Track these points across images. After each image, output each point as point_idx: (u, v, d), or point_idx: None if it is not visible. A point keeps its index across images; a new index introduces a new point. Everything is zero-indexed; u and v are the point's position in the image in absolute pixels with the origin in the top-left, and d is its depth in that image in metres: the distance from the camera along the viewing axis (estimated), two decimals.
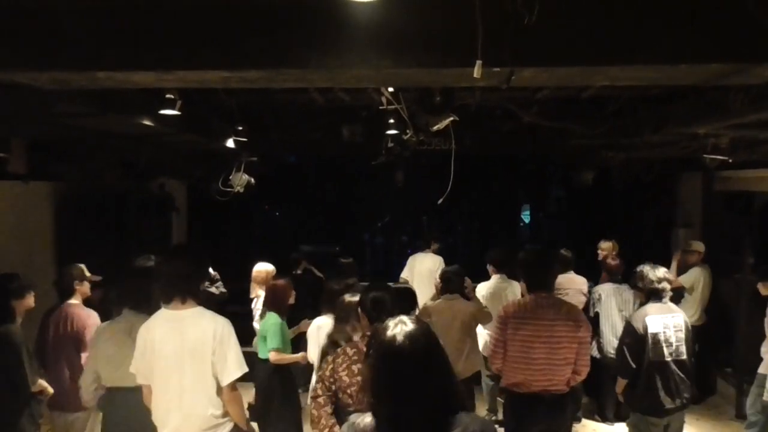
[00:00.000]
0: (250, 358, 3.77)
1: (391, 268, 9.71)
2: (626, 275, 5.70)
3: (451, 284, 5.33)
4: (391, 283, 7.51)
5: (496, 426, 3.53)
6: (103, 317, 4.48)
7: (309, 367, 4.73)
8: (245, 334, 4.76)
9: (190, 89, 4.26)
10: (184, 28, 2.83)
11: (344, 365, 3.05)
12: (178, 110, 4.38)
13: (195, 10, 2.81)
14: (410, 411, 1.83)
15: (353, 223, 14.99)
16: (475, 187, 13.27)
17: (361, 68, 2.82)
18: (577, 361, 3.88)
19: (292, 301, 5.05)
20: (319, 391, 3.07)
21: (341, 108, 6.56)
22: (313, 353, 4.52)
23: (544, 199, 15.44)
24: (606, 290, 5.86)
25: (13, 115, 3.95)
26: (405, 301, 4.40)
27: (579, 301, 5.91)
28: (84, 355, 4.34)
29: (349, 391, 3.01)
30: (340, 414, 3.02)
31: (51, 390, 4.23)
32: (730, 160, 5.79)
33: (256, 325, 5.60)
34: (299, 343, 5.22)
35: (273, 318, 4.84)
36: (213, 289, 5.89)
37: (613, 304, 5.76)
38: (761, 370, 5.01)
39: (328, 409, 3.03)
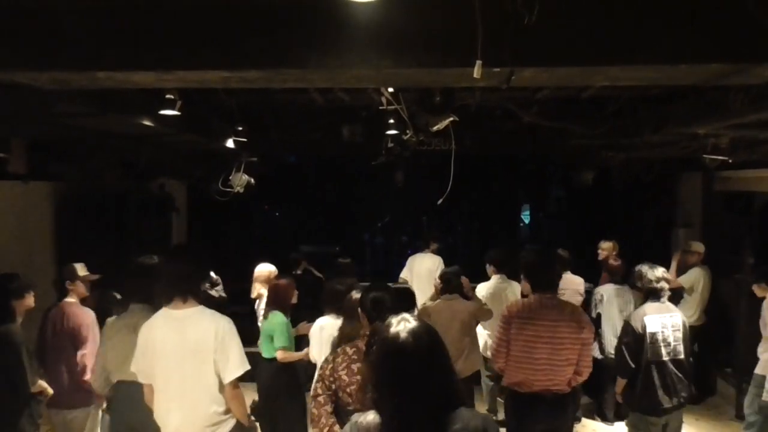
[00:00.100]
0: (253, 357, 3.79)
1: (391, 268, 9.70)
2: (627, 276, 5.70)
3: (450, 284, 5.34)
4: (390, 284, 7.54)
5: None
6: (101, 316, 4.51)
7: (311, 366, 4.74)
8: (246, 334, 4.76)
9: (190, 89, 4.26)
10: (184, 28, 2.83)
11: (344, 364, 3.05)
12: (178, 110, 4.38)
13: (195, 10, 2.81)
14: (413, 407, 1.85)
15: (353, 224, 14.99)
16: (475, 187, 13.26)
17: (361, 68, 2.82)
18: (579, 361, 3.89)
19: (294, 300, 5.06)
20: (319, 390, 3.07)
21: (341, 108, 6.56)
22: (315, 353, 4.52)
23: (544, 199, 15.44)
24: (608, 291, 5.87)
25: (13, 115, 3.95)
26: (404, 301, 4.37)
27: (576, 301, 5.90)
28: (80, 353, 4.38)
29: (348, 390, 3.01)
30: (340, 413, 3.02)
31: (51, 391, 4.24)
32: (730, 160, 5.79)
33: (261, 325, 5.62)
34: (299, 344, 5.22)
35: (279, 317, 4.86)
36: (213, 292, 5.90)
37: (614, 305, 5.76)
38: (758, 370, 5.01)
39: (328, 408, 3.03)
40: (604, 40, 2.70)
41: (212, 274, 6.07)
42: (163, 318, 3.30)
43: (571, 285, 6.21)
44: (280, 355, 4.76)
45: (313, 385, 3.13)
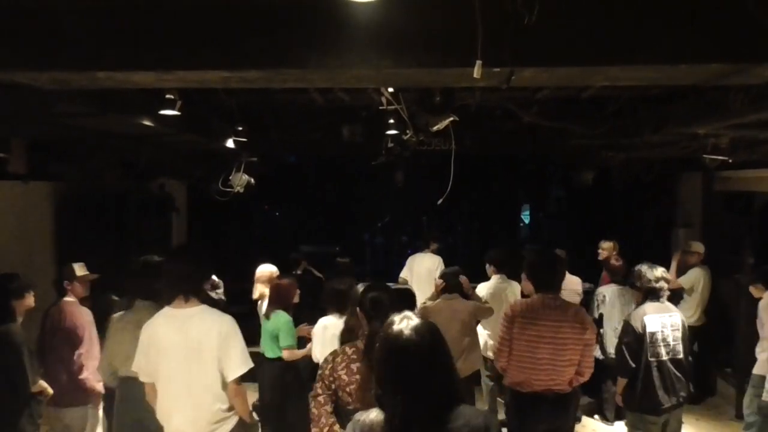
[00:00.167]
0: (255, 357, 3.81)
1: (391, 268, 9.70)
2: (627, 276, 5.70)
3: (448, 284, 5.34)
4: (390, 284, 7.56)
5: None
6: (99, 318, 4.57)
7: (315, 365, 4.75)
8: (247, 334, 4.76)
9: (190, 89, 4.27)
10: (184, 28, 2.83)
11: (343, 364, 3.06)
12: (178, 110, 4.38)
13: (195, 10, 2.81)
14: (416, 404, 1.88)
15: (353, 224, 14.97)
16: (475, 187, 13.24)
17: (361, 68, 2.82)
18: (581, 362, 3.90)
19: (296, 299, 5.07)
20: (319, 390, 3.08)
21: (341, 108, 6.56)
22: (318, 352, 4.53)
23: (544, 199, 15.42)
24: (610, 291, 5.86)
25: (13, 115, 3.95)
26: (404, 302, 4.39)
27: (574, 301, 5.88)
28: (77, 353, 4.40)
29: (348, 390, 3.02)
30: (340, 413, 3.04)
31: (51, 390, 4.25)
32: (730, 160, 5.79)
33: None
34: (298, 345, 5.22)
35: (284, 317, 4.87)
36: (213, 294, 5.91)
37: (616, 306, 5.76)
38: (756, 370, 5.02)
39: (328, 407, 3.04)
40: (604, 40, 2.70)
41: (214, 277, 6.07)
42: (165, 317, 3.32)
43: (570, 285, 6.20)
44: (286, 354, 4.78)
45: (313, 385, 3.14)
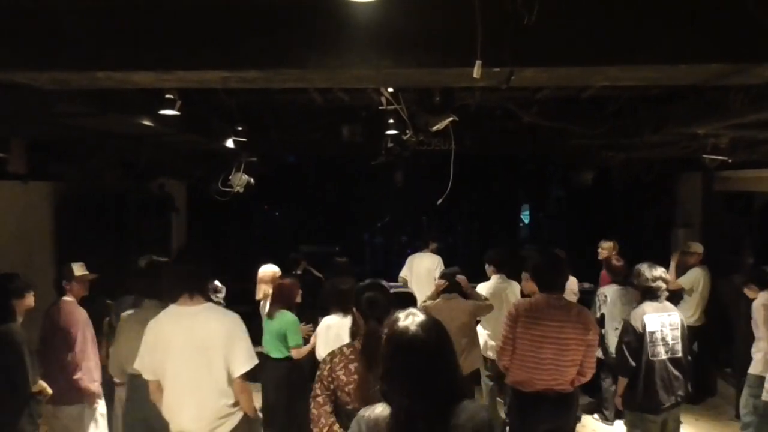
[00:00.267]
0: (258, 357, 3.82)
1: (391, 268, 9.71)
2: (628, 276, 5.70)
3: (449, 284, 5.35)
4: (391, 284, 7.58)
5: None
6: (94, 319, 4.65)
7: (317, 364, 4.76)
8: (250, 333, 4.78)
9: (189, 89, 4.26)
10: (184, 28, 2.83)
11: (341, 365, 3.08)
12: (178, 110, 4.38)
13: (195, 10, 2.81)
14: (421, 399, 1.92)
15: (353, 223, 14.96)
16: (474, 187, 13.23)
17: (361, 68, 2.82)
18: (584, 363, 3.91)
19: (299, 299, 5.08)
20: (318, 391, 3.09)
21: (341, 108, 6.56)
22: (322, 351, 4.54)
23: (544, 199, 15.40)
24: (611, 292, 5.87)
25: (13, 115, 3.95)
26: (406, 304, 4.43)
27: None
28: (71, 353, 4.42)
29: (347, 390, 3.03)
30: (340, 412, 3.05)
31: (50, 390, 4.26)
32: (730, 160, 5.79)
33: None
34: None
35: (290, 316, 4.89)
36: (213, 297, 5.91)
37: (618, 306, 5.76)
38: (752, 370, 5.03)
39: (328, 408, 3.05)
40: (604, 40, 2.70)
41: (216, 282, 6.09)
42: (171, 315, 3.36)
43: (567, 285, 6.21)
44: (295, 353, 4.79)
45: (312, 386, 3.15)
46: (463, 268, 5.60)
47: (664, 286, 4.36)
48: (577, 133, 6.36)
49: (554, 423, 3.96)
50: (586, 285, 7.55)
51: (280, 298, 4.96)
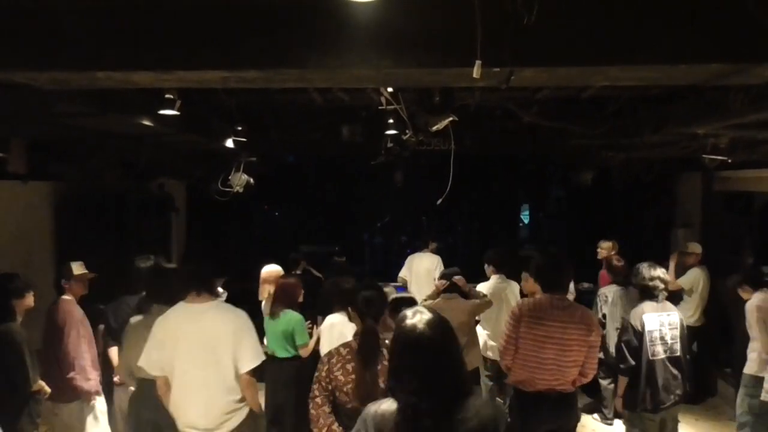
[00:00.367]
0: None
1: (391, 268, 9.70)
2: (629, 276, 5.70)
3: (449, 284, 5.36)
4: (392, 284, 7.60)
5: None
6: (93, 319, 4.68)
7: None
8: None
9: (189, 89, 4.26)
10: (184, 28, 2.83)
11: (339, 365, 3.11)
12: (178, 110, 4.38)
13: (195, 10, 2.81)
14: (428, 395, 1.96)
15: (353, 223, 14.96)
16: (474, 187, 13.23)
17: (361, 68, 2.82)
18: (585, 363, 3.91)
19: (301, 298, 5.09)
20: (316, 392, 3.12)
21: (341, 108, 6.56)
22: (325, 349, 4.55)
23: (543, 199, 15.40)
24: (612, 292, 5.87)
25: (13, 115, 3.95)
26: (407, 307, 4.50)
27: None
28: (65, 351, 4.43)
29: (345, 389, 3.06)
30: (339, 412, 3.08)
31: (48, 389, 4.27)
32: (730, 161, 5.79)
33: None
34: None
35: (296, 315, 4.91)
36: None
37: (619, 306, 5.77)
38: (746, 370, 5.04)
39: (326, 408, 3.08)
40: (604, 40, 2.70)
41: (219, 288, 6.11)
42: (179, 312, 3.43)
43: None
44: (304, 351, 4.81)
45: (311, 387, 3.17)
46: (462, 268, 5.61)
47: (661, 285, 4.38)
48: (577, 133, 6.36)
49: (556, 423, 3.96)
50: (586, 285, 7.56)
51: (283, 298, 4.96)
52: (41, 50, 2.85)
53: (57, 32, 2.82)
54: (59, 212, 6.12)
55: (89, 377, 4.52)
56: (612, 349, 5.66)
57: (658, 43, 2.68)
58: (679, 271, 6.75)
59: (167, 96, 4.27)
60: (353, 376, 3.05)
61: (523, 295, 5.73)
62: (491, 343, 5.75)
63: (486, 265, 6.13)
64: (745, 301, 5.15)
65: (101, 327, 4.96)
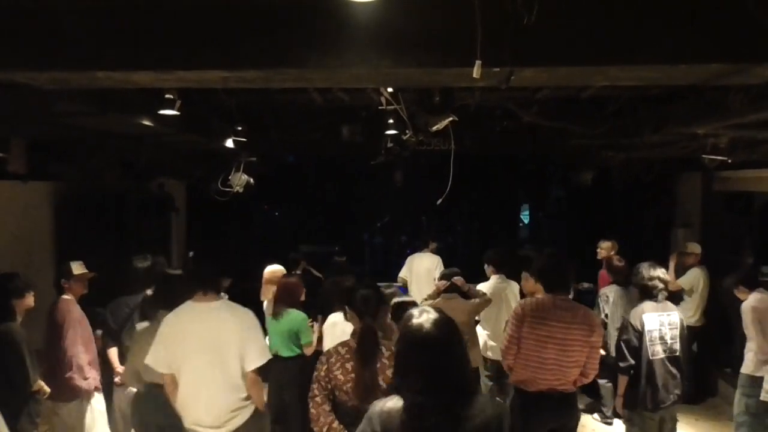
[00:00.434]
0: None
1: (391, 268, 9.71)
2: (629, 276, 5.70)
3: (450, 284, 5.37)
4: (393, 284, 7.60)
5: None
6: (91, 323, 4.69)
7: None
8: None
9: (189, 89, 4.27)
10: (184, 28, 2.83)
11: (338, 364, 3.13)
12: (178, 110, 4.38)
13: (195, 10, 2.81)
14: (434, 393, 2.00)
15: (353, 223, 14.97)
16: (474, 187, 13.24)
17: (360, 68, 2.82)
18: (587, 364, 3.92)
19: (303, 297, 5.10)
20: (316, 391, 3.14)
21: (341, 108, 6.56)
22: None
23: (543, 199, 15.41)
24: (614, 292, 5.87)
25: (13, 115, 3.95)
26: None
27: None
28: (63, 350, 4.42)
29: (345, 388, 3.09)
30: (339, 410, 3.11)
31: (48, 389, 4.27)
32: (730, 160, 5.79)
33: None
34: None
35: (300, 314, 4.92)
36: None
37: (620, 305, 5.77)
38: (743, 370, 5.05)
39: (326, 407, 3.11)
40: (604, 40, 2.70)
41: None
42: (186, 311, 3.48)
43: None
44: (308, 350, 4.82)
45: (310, 386, 3.18)
46: (462, 268, 5.61)
47: (661, 285, 4.38)
48: (577, 133, 6.36)
49: (557, 422, 3.96)
50: (586, 285, 7.56)
51: (285, 298, 4.96)
52: (41, 50, 2.85)
53: (57, 32, 2.82)
54: (59, 212, 6.12)
55: (87, 376, 4.53)
56: (612, 350, 5.67)
57: (658, 43, 2.68)
58: (679, 271, 6.75)
59: (167, 96, 4.28)
60: (353, 375, 3.07)
61: (522, 294, 5.73)
62: (491, 343, 5.75)
63: (486, 265, 6.13)
64: (742, 302, 5.16)
65: (99, 332, 4.94)
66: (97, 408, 4.68)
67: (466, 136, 6.27)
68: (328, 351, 3.25)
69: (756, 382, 4.86)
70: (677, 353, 4.35)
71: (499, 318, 5.63)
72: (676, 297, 6.25)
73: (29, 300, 4.31)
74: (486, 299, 5.37)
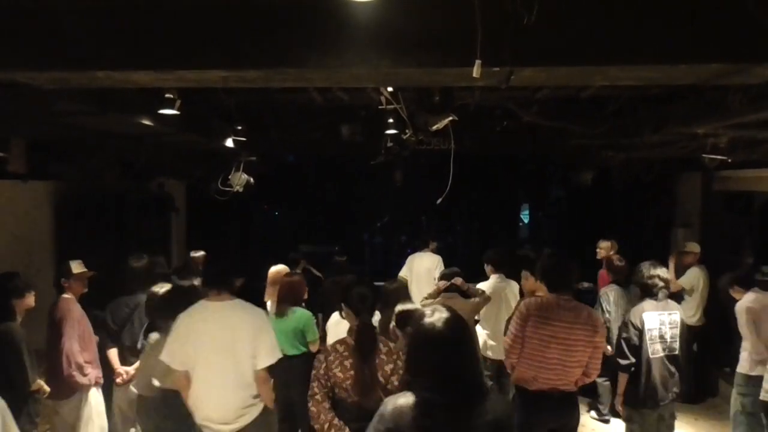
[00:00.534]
0: None
1: (390, 267, 9.71)
2: (630, 276, 5.70)
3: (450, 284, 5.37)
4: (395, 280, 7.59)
5: None
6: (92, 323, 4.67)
7: None
8: None
9: (189, 89, 4.26)
10: (184, 28, 2.83)
11: (337, 362, 3.16)
12: (178, 110, 4.38)
13: (195, 10, 2.81)
14: (445, 390, 2.04)
15: (353, 223, 14.98)
16: (474, 187, 13.25)
17: (360, 68, 2.82)
18: (589, 364, 3.92)
19: (305, 296, 5.11)
20: (316, 390, 3.17)
21: (340, 107, 6.56)
22: None
23: (543, 198, 15.42)
24: (614, 291, 5.87)
25: (13, 115, 3.96)
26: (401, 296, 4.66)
27: None
28: (62, 348, 4.41)
29: (344, 385, 3.12)
30: (338, 407, 3.14)
31: (47, 388, 4.28)
32: (730, 160, 5.79)
33: None
34: None
35: (305, 312, 4.92)
36: None
37: (620, 305, 5.77)
38: (738, 369, 5.06)
39: (326, 404, 3.14)
40: (604, 40, 2.70)
41: None
42: (200, 309, 3.54)
43: None
44: (314, 347, 4.84)
45: (310, 385, 3.20)
46: (462, 268, 5.60)
47: (661, 284, 4.39)
48: (577, 133, 6.35)
49: (558, 422, 3.97)
50: (586, 284, 7.55)
51: (289, 296, 4.96)
52: (41, 50, 2.85)
53: (57, 32, 2.83)
54: (59, 212, 6.12)
55: (86, 372, 4.53)
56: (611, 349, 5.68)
57: (658, 43, 2.68)
58: (678, 271, 6.75)
59: (167, 95, 4.28)
60: (352, 372, 3.10)
61: (522, 294, 5.72)
62: (491, 342, 5.75)
63: (486, 265, 6.13)
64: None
65: (97, 338, 4.94)
66: (95, 406, 4.67)
67: (466, 136, 6.26)
68: (326, 349, 3.28)
69: (751, 381, 4.88)
70: (676, 352, 4.38)
71: (498, 317, 5.62)
72: (676, 297, 6.24)
73: (29, 300, 4.31)
74: (485, 297, 5.37)
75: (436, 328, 2.11)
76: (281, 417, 4.76)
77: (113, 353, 4.78)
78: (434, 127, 4.84)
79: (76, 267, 4.67)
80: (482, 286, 5.90)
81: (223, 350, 3.43)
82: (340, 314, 3.66)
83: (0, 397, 3.93)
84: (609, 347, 4.84)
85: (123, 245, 6.89)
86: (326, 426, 3.07)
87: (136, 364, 4.60)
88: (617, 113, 5.90)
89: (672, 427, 4.55)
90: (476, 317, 5.67)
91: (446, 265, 7.06)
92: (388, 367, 3.13)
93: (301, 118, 7.06)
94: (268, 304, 5.63)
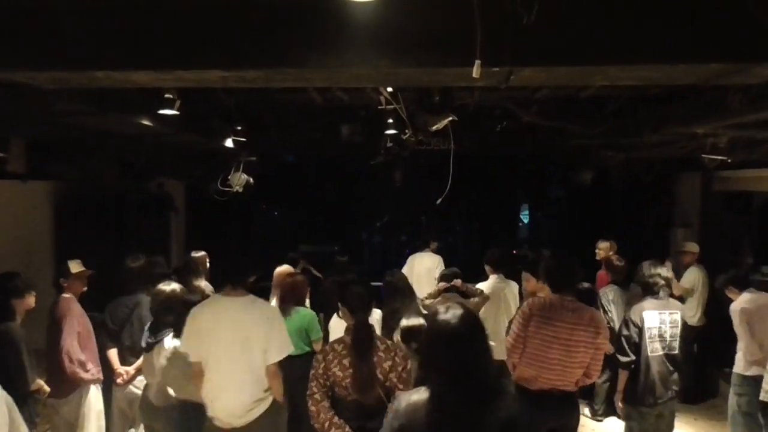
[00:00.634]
0: None
1: (390, 267, 9.66)
2: (630, 276, 5.70)
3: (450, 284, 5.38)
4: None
5: None
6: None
7: None
8: None
9: (189, 89, 4.26)
10: (184, 28, 2.83)
11: (335, 361, 3.18)
12: (177, 110, 4.38)
13: (195, 10, 2.81)
14: (458, 386, 2.07)
15: (353, 223, 14.98)
16: (474, 187, 13.26)
17: (360, 68, 2.82)
18: (590, 365, 3.93)
19: (308, 296, 5.12)
20: (315, 389, 3.19)
21: (340, 107, 6.56)
22: None
23: (543, 199, 15.42)
24: (613, 291, 5.87)
25: (13, 114, 3.96)
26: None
27: None
28: (62, 346, 4.39)
29: (344, 384, 3.14)
30: (338, 405, 3.17)
31: (47, 388, 4.27)
32: (729, 160, 5.79)
33: None
34: None
35: (309, 311, 4.95)
36: None
37: (620, 305, 5.77)
38: (735, 369, 5.06)
39: (326, 403, 3.16)
40: (604, 40, 2.70)
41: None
42: (214, 304, 3.62)
43: None
44: (318, 346, 4.84)
45: (309, 384, 3.20)
46: (462, 268, 5.61)
47: (661, 282, 4.40)
48: (577, 133, 6.35)
49: (558, 421, 3.97)
50: (585, 285, 7.54)
51: (293, 296, 4.97)
52: (41, 50, 2.85)
53: (57, 32, 2.83)
54: (59, 212, 6.12)
55: (87, 368, 4.53)
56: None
57: (658, 43, 2.68)
58: (677, 271, 6.74)
59: (167, 96, 4.28)
60: (351, 371, 3.13)
61: (521, 294, 5.73)
62: (490, 342, 5.75)
63: (485, 265, 6.13)
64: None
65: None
66: (95, 405, 4.67)
67: (466, 136, 6.26)
68: (324, 349, 3.31)
69: (747, 381, 4.89)
70: (676, 351, 4.38)
71: (497, 318, 5.63)
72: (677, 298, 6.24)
73: (29, 300, 4.31)
74: (484, 296, 5.38)
75: (450, 325, 2.13)
76: (288, 416, 4.77)
77: (113, 353, 4.77)
78: (434, 128, 4.84)
79: (75, 266, 4.67)
80: (481, 286, 5.90)
81: (236, 345, 3.48)
82: (337, 314, 3.68)
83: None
84: (610, 345, 4.85)
85: (123, 245, 6.88)
86: (326, 425, 3.09)
87: (136, 364, 4.61)
88: (617, 113, 5.90)
89: (672, 425, 4.55)
90: None
91: (446, 265, 7.07)
92: (387, 364, 3.14)
93: (301, 118, 7.06)
94: (273, 302, 5.64)
